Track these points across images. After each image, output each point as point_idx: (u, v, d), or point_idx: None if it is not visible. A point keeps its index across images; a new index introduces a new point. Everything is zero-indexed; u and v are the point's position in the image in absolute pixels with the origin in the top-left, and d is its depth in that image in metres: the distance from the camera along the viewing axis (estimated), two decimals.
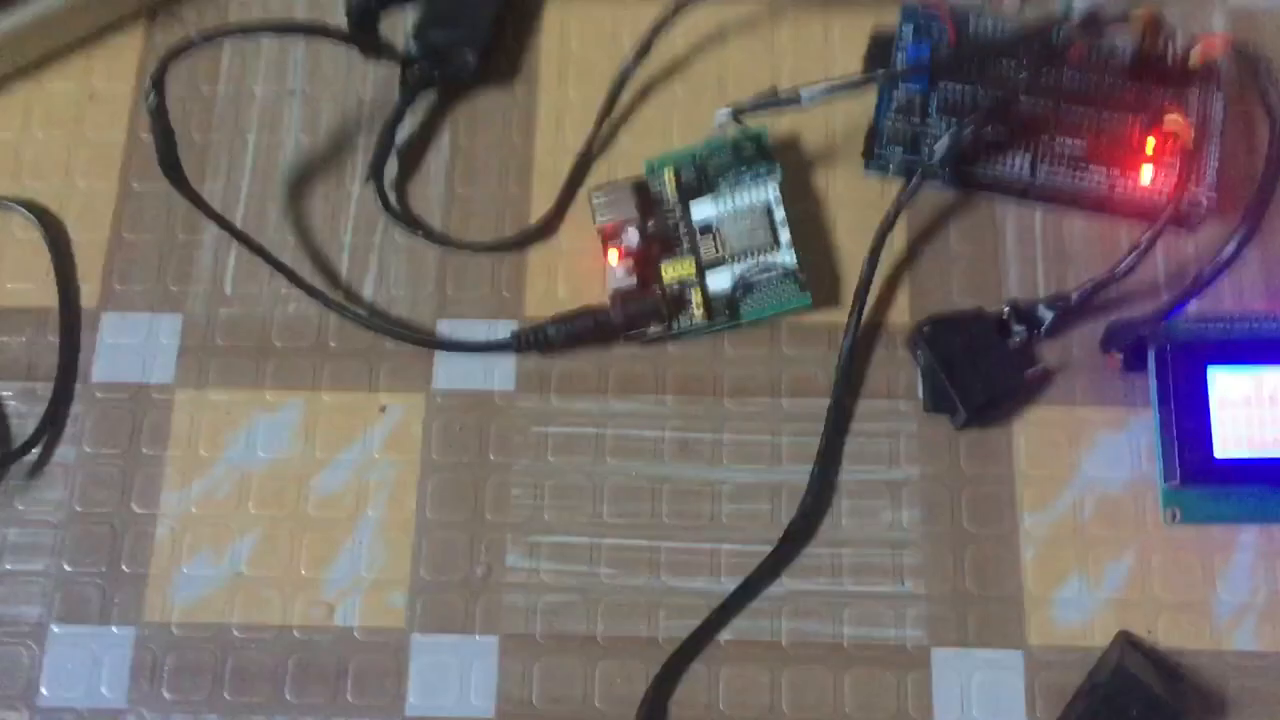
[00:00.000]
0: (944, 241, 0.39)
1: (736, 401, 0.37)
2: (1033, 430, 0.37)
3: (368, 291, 0.39)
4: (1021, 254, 0.38)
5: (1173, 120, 0.35)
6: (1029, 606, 0.35)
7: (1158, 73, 0.37)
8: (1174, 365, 0.35)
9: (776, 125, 0.39)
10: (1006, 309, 0.37)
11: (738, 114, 0.35)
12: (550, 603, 0.36)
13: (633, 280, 0.37)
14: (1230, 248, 0.32)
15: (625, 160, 0.40)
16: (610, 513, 0.37)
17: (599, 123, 0.40)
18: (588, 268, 0.39)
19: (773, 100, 0.34)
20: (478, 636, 0.36)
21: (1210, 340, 0.35)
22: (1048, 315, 0.36)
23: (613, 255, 0.38)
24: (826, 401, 0.37)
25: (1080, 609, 0.35)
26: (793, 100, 0.34)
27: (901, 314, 0.38)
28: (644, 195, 0.39)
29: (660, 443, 0.37)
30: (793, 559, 0.36)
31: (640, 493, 0.37)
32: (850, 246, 0.39)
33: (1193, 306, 0.37)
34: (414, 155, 0.40)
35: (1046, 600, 0.35)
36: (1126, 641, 0.34)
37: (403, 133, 0.40)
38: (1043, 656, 0.35)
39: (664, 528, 0.36)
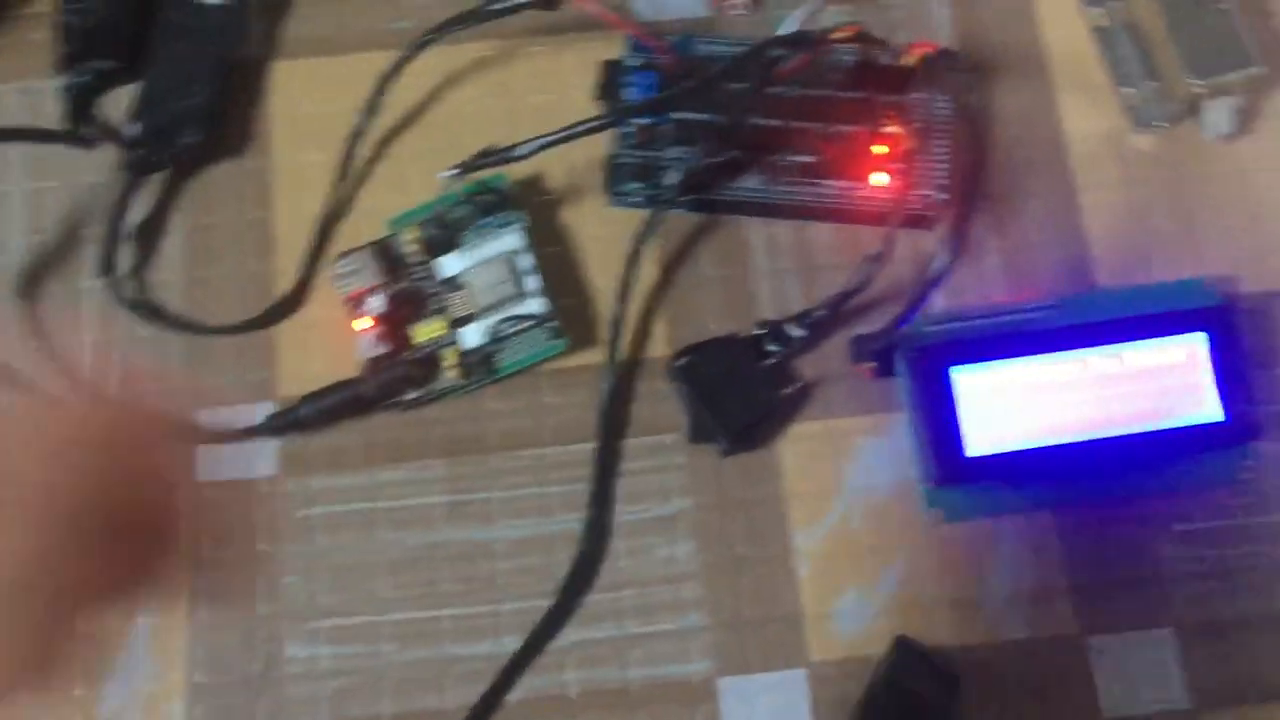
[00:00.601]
0: (696, 267, 0.39)
1: (504, 456, 0.37)
2: (797, 446, 0.37)
3: (114, 390, 0.38)
4: (772, 270, 0.39)
5: (890, 127, 0.36)
6: (808, 624, 0.35)
7: (878, 81, 0.38)
8: (918, 372, 0.36)
9: (518, 166, 0.39)
10: (757, 331, 0.37)
11: (461, 174, 0.35)
12: (335, 688, 0.35)
13: (383, 348, 0.37)
14: (938, 262, 0.32)
15: (369, 220, 0.39)
16: (387, 586, 0.36)
17: (336, 185, 0.39)
18: (340, 337, 0.38)
19: (490, 158, 0.34)
20: None
21: (950, 341, 0.36)
22: (798, 333, 0.37)
23: (361, 323, 0.37)
24: (593, 446, 0.37)
25: (858, 619, 0.36)
26: (510, 156, 0.34)
27: (661, 345, 0.38)
28: (388, 257, 0.38)
29: (431, 509, 0.37)
30: (574, 609, 0.36)
31: (416, 562, 0.36)
32: (603, 284, 0.38)
33: (940, 303, 0.38)
34: (148, 240, 0.39)
35: (825, 615, 0.36)
36: (902, 646, 0.35)
37: (135, 217, 0.39)
38: (825, 671, 0.35)
39: (443, 595, 0.36)
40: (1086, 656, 0.35)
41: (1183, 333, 0.36)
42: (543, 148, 0.33)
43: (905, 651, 0.35)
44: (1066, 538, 0.36)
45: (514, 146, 0.34)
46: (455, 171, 0.34)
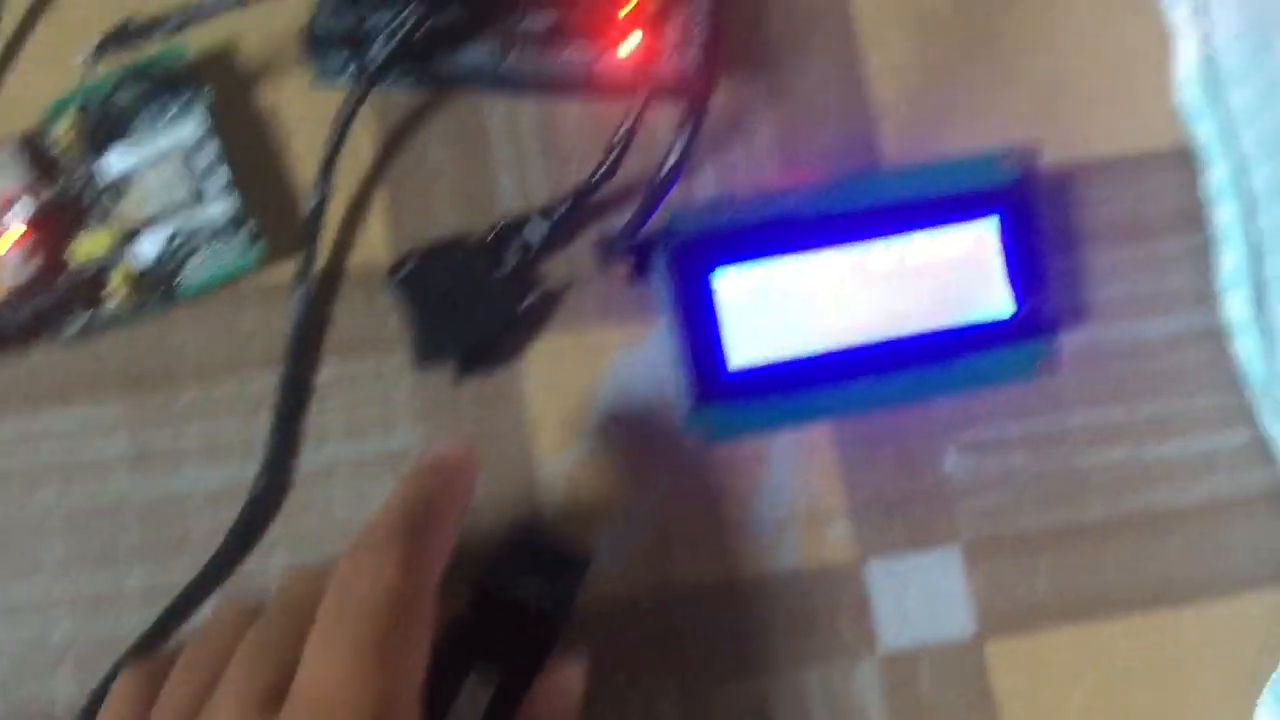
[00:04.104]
0: (424, 153, 0.33)
1: (198, 389, 0.31)
2: (543, 365, 0.32)
3: None
4: (514, 156, 0.33)
5: None
6: None
7: None
8: (674, 275, 0.31)
9: (203, 35, 0.32)
10: (491, 231, 0.32)
11: (99, 57, 0.28)
12: (2, 670, 0.30)
13: (32, 269, 0.30)
14: (673, 155, 0.27)
15: (20, 108, 0.32)
16: (59, 551, 0.31)
17: None
18: None
19: (134, 34, 0.27)
20: None
21: (711, 238, 0.31)
22: (538, 232, 0.32)
23: (4, 240, 0.30)
24: (313, 372, 0.32)
25: (614, 555, 0.31)
26: (155, 31, 0.27)
27: (383, 250, 0.32)
28: (38, 153, 0.31)
29: (109, 457, 0.31)
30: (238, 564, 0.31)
31: (93, 521, 0.31)
32: (312, 178, 0.32)
33: (711, 188, 0.33)
34: None
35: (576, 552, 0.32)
36: (511, 548, 0.30)
37: None
38: (582, 618, 0.31)
39: (129, 559, 0.31)
40: (864, 583, 0.32)
41: (971, 218, 0.32)
42: (191, 21, 0.27)
43: (523, 548, 0.30)
44: (844, 453, 0.32)
45: (159, 20, 0.27)
46: (91, 53, 0.28)
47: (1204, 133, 0.33)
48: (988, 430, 0.32)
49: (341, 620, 0.24)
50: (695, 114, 0.27)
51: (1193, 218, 0.34)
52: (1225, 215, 0.33)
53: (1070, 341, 0.33)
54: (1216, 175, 0.33)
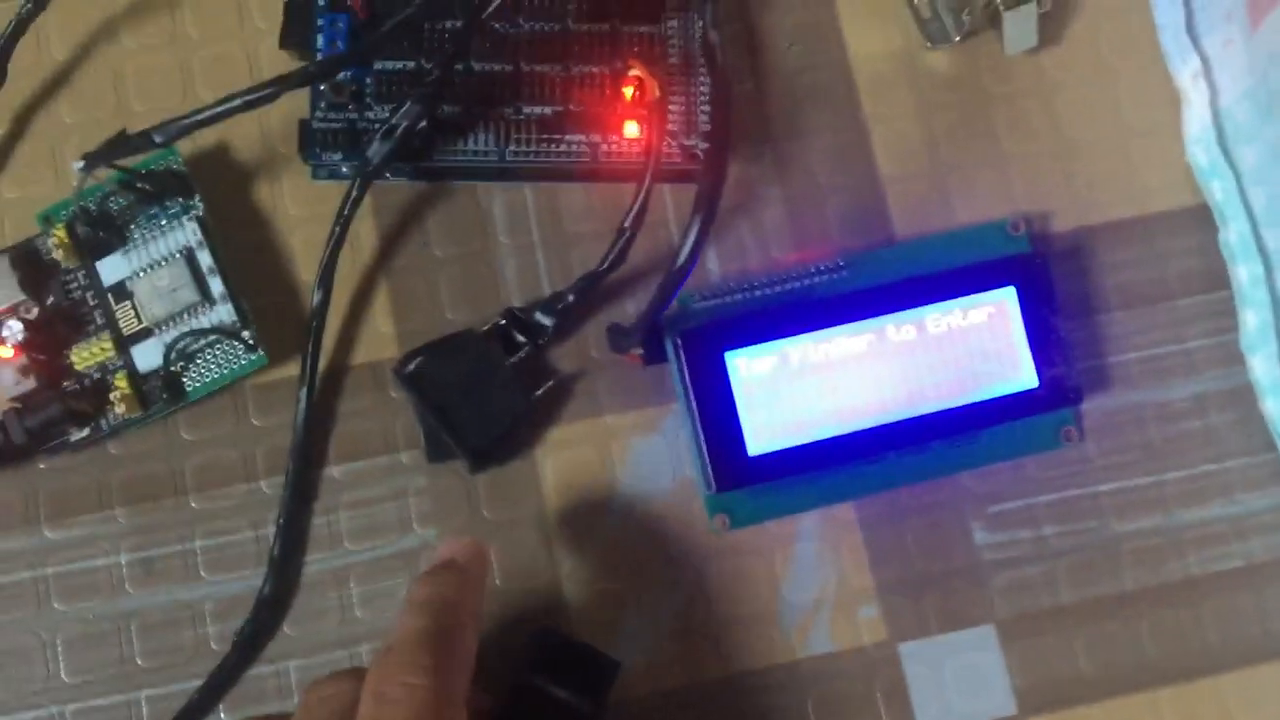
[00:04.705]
0: (425, 246, 0.32)
1: (204, 497, 0.31)
2: (560, 454, 0.31)
3: None
4: (517, 245, 0.32)
5: (634, 69, 0.30)
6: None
7: (624, 6, 0.31)
8: (689, 359, 0.30)
9: (198, 137, 0.32)
10: (499, 322, 0.31)
11: (93, 167, 0.27)
12: None
13: (31, 382, 0.29)
14: (687, 247, 0.27)
15: (12, 216, 0.32)
16: (70, 671, 0.30)
17: None
18: None
19: (126, 146, 0.27)
20: None
21: (725, 320, 0.31)
22: (546, 321, 0.31)
23: (1, 352, 0.30)
24: (320, 473, 0.31)
25: (641, 649, 0.31)
26: (148, 144, 0.26)
27: (387, 344, 0.32)
28: (32, 264, 0.30)
29: (117, 570, 0.30)
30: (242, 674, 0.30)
31: (104, 638, 0.30)
32: (313, 276, 0.32)
33: (719, 264, 0.33)
34: None
35: (604, 647, 0.30)
36: (538, 643, 0.29)
37: None
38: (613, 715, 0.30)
39: (140, 674, 0.30)
40: (899, 665, 0.31)
41: (988, 289, 0.31)
42: (187, 131, 0.26)
43: (546, 644, 0.29)
44: (871, 532, 0.31)
45: (150, 130, 0.26)
46: (84, 164, 0.27)
47: (1218, 190, 0.33)
48: (1016, 502, 0.32)
49: None
50: (707, 204, 0.27)
51: (1212, 276, 0.33)
52: (1245, 275, 0.33)
53: (1094, 408, 0.32)
54: (1233, 234, 0.33)
